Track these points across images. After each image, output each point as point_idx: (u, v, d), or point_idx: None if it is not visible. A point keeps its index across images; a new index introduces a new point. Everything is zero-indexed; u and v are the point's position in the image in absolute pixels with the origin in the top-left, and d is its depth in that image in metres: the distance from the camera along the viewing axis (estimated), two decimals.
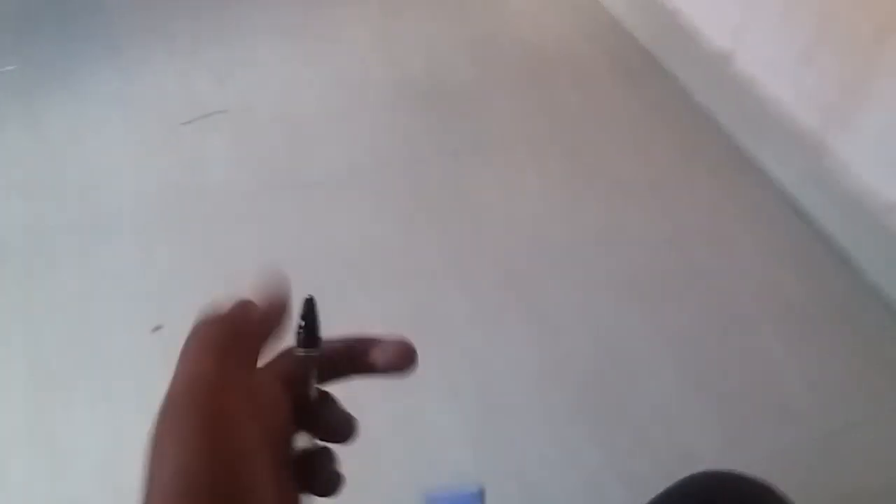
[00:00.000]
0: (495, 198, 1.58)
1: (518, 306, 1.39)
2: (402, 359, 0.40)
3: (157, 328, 1.35)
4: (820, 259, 1.45)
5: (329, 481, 0.39)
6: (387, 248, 1.50)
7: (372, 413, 1.25)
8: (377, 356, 0.40)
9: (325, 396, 0.40)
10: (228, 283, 1.39)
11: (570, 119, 1.74)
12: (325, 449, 0.39)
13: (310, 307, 0.39)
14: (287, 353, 0.39)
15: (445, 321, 1.38)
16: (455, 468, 1.21)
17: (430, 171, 1.63)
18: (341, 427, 0.40)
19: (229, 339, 0.35)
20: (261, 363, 0.37)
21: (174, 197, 1.59)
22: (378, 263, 1.47)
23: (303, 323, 0.39)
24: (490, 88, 1.83)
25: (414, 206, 1.57)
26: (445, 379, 1.30)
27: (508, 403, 1.27)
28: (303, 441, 0.38)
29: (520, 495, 1.17)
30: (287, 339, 0.39)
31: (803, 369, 1.30)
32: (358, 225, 1.55)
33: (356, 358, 0.40)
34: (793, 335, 1.35)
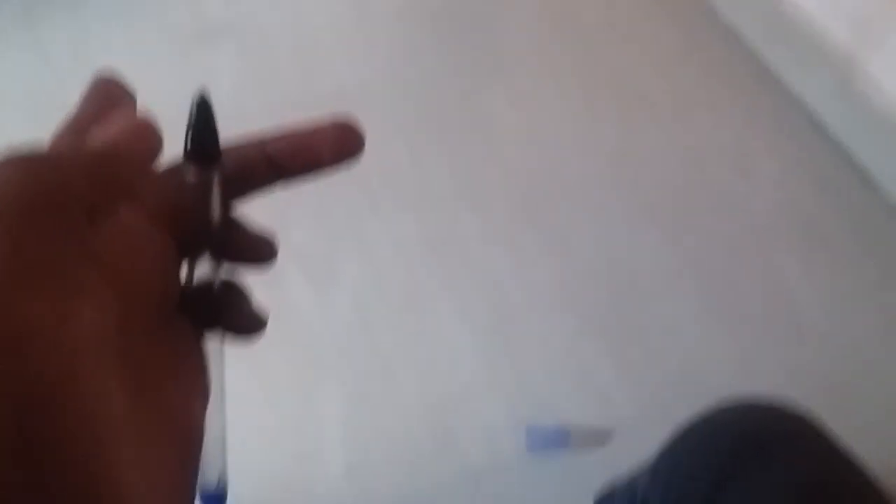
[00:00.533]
0: (510, 117, 1.53)
1: (532, 227, 1.36)
2: (349, 142, 0.32)
3: None
4: (842, 178, 1.40)
5: (248, 318, 0.31)
6: (398, 168, 1.46)
7: (383, 333, 1.25)
8: (318, 150, 0.31)
9: (228, 221, 0.31)
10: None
11: (589, 36, 1.67)
12: (231, 286, 0.31)
13: (203, 110, 0.30)
14: (164, 177, 0.29)
15: (458, 243, 1.35)
16: (468, 387, 1.21)
17: (443, 89, 1.58)
18: (258, 249, 0.32)
19: (43, 189, 0.22)
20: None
21: (180, 116, 1.55)
22: (389, 185, 1.43)
23: (192, 133, 0.30)
24: (507, 3, 1.75)
25: (426, 126, 1.53)
26: (458, 300, 1.28)
27: (521, 323, 1.26)
28: (205, 268, 0.29)
29: (531, 411, 1.17)
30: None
31: (819, 288, 1.28)
32: (368, 144, 1.50)
33: (282, 161, 0.31)
34: (810, 254, 1.32)
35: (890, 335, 1.23)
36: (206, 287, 0.29)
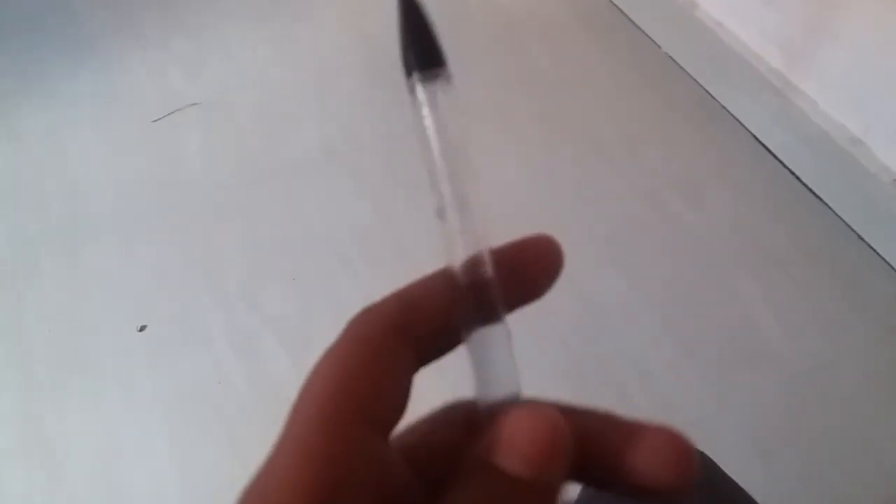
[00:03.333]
0: (472, 167, 1.57)
1: None
2: (676, 467, 0.23)
3: (143, 328, 1.37)
4: (794, 200, 1.45)
5: None
6: (368, 228, 1.50)
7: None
8: (641, 456, 0.23)
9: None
10: (210, 275, 1.42)
11: (541, 81, 1.73)
12: None
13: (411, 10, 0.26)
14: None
15: None
16: None
17: (405, 146, 1.62)
18: None
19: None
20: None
21: (153, 194, 1.60)
22: (360, 245, 1.47)
23: (411, 38, 0.26)
24: (460, 56, 1.80)
25: (392, 183, 1.57)
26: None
27: None
28: None
29: None
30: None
31: (779, 311, 1.31)
32: (338, 207, 1.55)
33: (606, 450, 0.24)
34: (769, 278, 1.35)
35: (849, 356, 1.26)
36: None
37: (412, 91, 0.25)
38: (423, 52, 0.26)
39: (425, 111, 0.25)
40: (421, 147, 0.26)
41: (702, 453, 0.65)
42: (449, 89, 0.25)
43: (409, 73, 0.26)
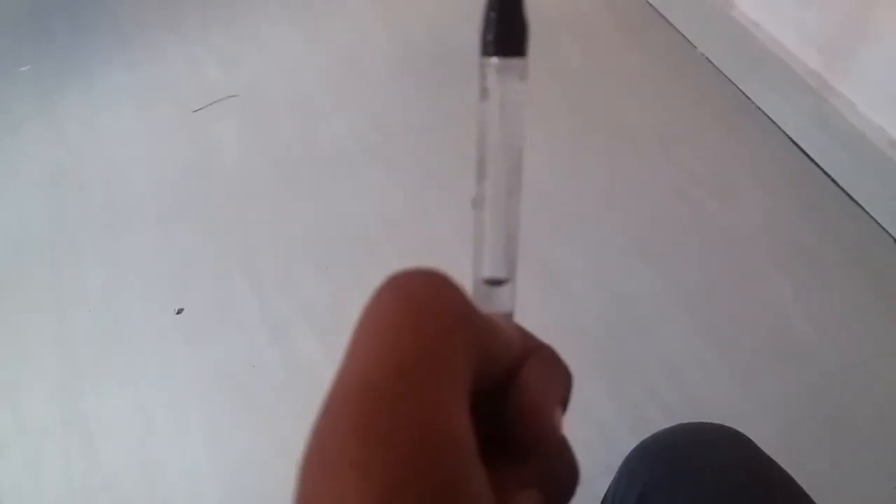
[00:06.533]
0: None
1: (529, 267, 1.41)
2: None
3: (180, 311, 1.39)
4: (828, 200, 1.45)
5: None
6: (399, 218, 1.52)
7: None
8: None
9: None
10: (245, 263, 1.44)
11: (573, 77, 1.73)
12: None
13: None
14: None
15: None
16: None
17: (436, 138, 1.65)
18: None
19: (460, 307, 0.22)
20: None
21: (190, 183, 1.63)
22: (391, 234, 1.49)
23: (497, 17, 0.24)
24: None
25: (422, 174, 1.59)
26: None
27: None
28: None
29: None
30: None
31: (811, 310, 1.31)
32: (369, 197, 1.57)
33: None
34: (801, 278, 1.35)
35: (881, 356, 1.25)
36: None
37: (483, 76, 0.25)
38: (506, 37, 0.24)
39: (491, 98, 0.25)
40: (478, 132, 0.26)
41: (740, 433, 0.66)
42: (521, 82, 0.24)
43: (486, 53, 0.24)
